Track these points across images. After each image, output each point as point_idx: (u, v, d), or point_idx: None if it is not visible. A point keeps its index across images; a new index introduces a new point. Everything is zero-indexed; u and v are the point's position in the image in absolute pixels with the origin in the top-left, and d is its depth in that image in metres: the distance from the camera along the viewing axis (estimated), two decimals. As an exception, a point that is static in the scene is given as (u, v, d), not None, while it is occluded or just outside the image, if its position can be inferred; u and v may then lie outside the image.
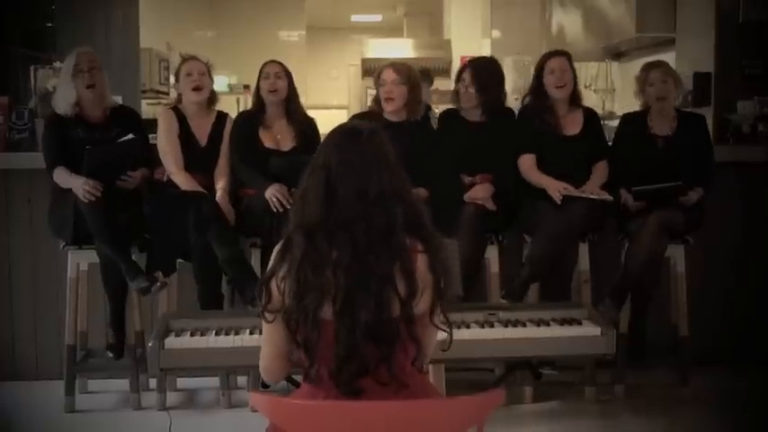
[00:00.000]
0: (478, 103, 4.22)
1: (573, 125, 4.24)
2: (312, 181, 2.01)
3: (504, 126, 4.27)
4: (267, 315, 2.03)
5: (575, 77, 4.26)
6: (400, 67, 4.26)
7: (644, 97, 4.27)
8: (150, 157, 4.16)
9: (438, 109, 5.04)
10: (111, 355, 4.13)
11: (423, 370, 2.12)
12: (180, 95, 4.29)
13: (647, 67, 4.29)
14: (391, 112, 4.21)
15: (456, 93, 4.31)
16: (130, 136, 3.98)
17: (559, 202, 3.98)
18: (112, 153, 3.98)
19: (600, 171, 4.19)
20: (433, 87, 7.32)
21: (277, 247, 2.06)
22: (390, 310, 1.95)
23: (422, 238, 2.01)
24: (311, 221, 1.98)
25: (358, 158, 1.99)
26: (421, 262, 2.00)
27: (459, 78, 4.29)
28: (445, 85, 9.22)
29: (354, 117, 4.37)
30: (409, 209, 2.01)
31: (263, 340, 2.16)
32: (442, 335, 2.11)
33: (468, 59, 4.41)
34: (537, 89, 4.26)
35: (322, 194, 1.98)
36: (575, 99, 4.28)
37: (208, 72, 4.23)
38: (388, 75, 4.20)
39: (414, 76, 4.25)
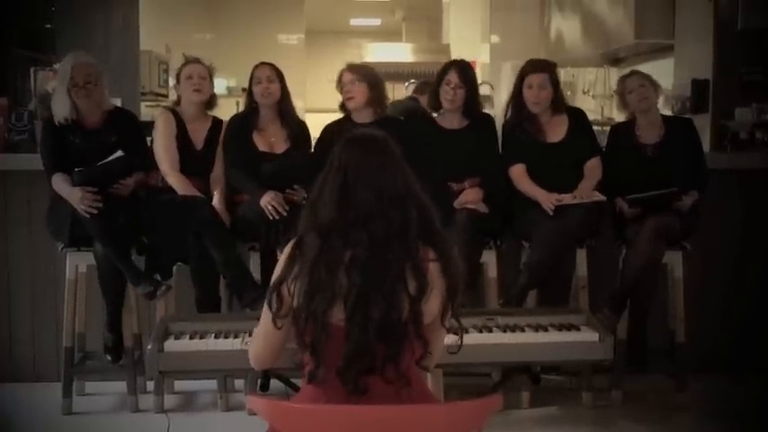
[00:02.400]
0: (463, 103, 4.23)
1: (557, 131, 4.24)
2: (328, 184, 2.07)
3: (484, 129, 4.29)
4: (277, 321, 2.08)
5: (556, 87, 4.24)
6: (356, 66, 4.38)
7: (627, 107, 4.29)
8: (147, 162, 4.16)
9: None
10: (109, 358, 4.12)
11: (428, 370, 2.15)
12: (179, 97, 4.29)
13: (623, 78, 4.34)
14: (354, 110, 4.24)
15: (435, 96, 4.29)
16: (119, 153, 3.94)
17: (552, 214, 3.99)
18: (100, 173, 3.93)
19: (591, 171, 4.18)
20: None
21: (286, 251, 2.10)
22: (401, 309, 1.99)
23: (434, 243, 2.07)
24: (326, 222, 2.03)
25: (375, 162, 2.07)
26: (433, 266, 2.04)
27: (441, 81, 4.25)
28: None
29: (328, 126, 4.37)
30: (423, 211, 2.08)
31: (258, 332, 2.19)
32: (450, 338, 2.16)
33: (447, 62, 4.41)
34: (516, 99, 4.25)
35: (338, 196, 2.04)
36: (557, 107, 4.27)
37: (209, 77, 4.24)
38: (346, 76, 4.27)
39: (372, 75, 4.31)
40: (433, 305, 2.04)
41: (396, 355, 2.00)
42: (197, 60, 4.28)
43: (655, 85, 4.26)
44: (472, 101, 4.27)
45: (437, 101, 4.29)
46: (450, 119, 4.30)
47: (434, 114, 4.43)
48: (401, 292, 1.99)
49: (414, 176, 2.12)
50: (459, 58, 4.49)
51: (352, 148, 2.10)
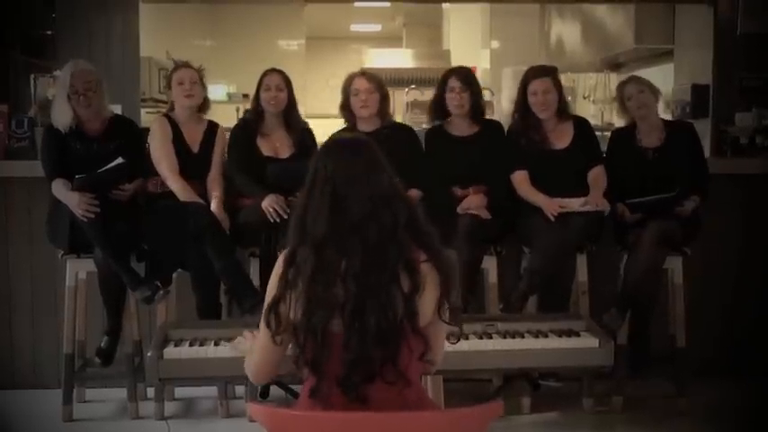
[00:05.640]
0: (469, 108, 4.23)
1: (562, 138, 4.24)
2: (316, 195, 2.05)
3: (493, 137, 4.29)
4: (277, 339, 2.06)
5: (560, 92, 4.25)
6: (371, 75, 4.31)
7: (627, 113, 4.29)
8: (146, 168, 4.15)
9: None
10: (98, 360, 4.09)
11: (431, 369, 2.14)
12: (172, 103, 4.29)
13: (621, 85, 4.34)
14: (364, 119, 4.23)
15: (439, 104, 4.29)
16: (119, 160, 3.93)
17: (554, 220, 3.99)
18: (100, 179, 3.93)
19: (597, 180, 4.18)
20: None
21: (277, 268, 2.07)
22: (396, 310, 1.98)
23: (422, 242, 2.06)
24: (319, 235, 2.01)
25: (361, 165, 2.06)
26: (425, 266, 2.03)
27: (443, 88, 4.26)
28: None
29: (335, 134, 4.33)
30: (410, 210, 2.08)
31: (256, 347, 2.17)
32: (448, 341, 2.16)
33: (447, 70, 4.41)
34: (521, 108, 4.25)
35: (329, 207, 2.02)
36: (562, 112, 4.28)
37: (200, 80, 4.22)
38: (362, 84, 4.22)
39: (384, 85, 4.30)
40: (428, 301, 2.03)
41: (393, 355, 1.99)
42: (186, 65, 4.27)
43: (654, 91, 4.26)
44: (477, 104, 4.27)
45: (441, 110, 4.29)
46: (459, 125, 4.30)
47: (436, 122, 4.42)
48: (395, 292, 1.99)
49: (396, 176, 2.11)
50: (457, 65, 4.51)
51: (337, 155, 2.09)
